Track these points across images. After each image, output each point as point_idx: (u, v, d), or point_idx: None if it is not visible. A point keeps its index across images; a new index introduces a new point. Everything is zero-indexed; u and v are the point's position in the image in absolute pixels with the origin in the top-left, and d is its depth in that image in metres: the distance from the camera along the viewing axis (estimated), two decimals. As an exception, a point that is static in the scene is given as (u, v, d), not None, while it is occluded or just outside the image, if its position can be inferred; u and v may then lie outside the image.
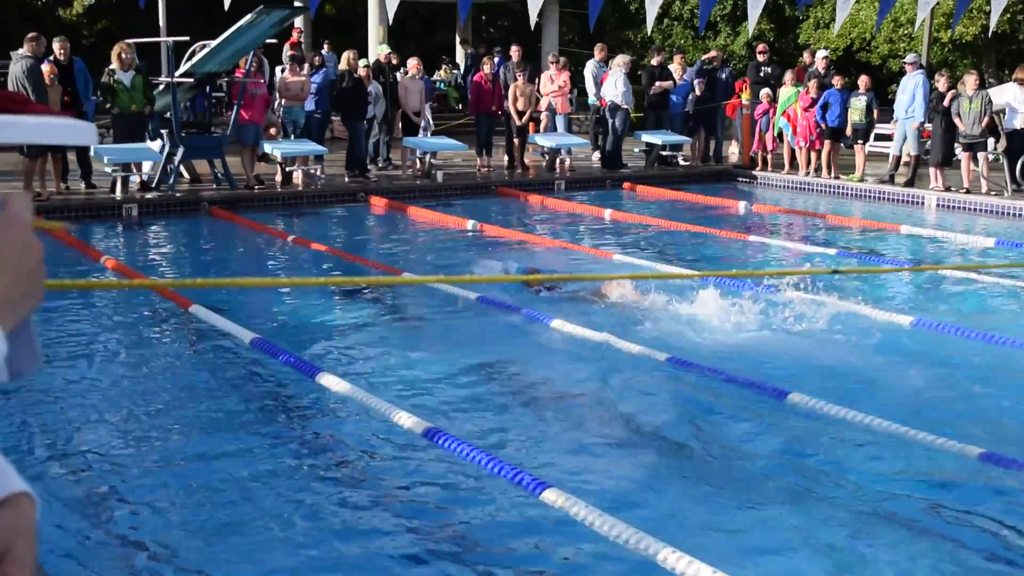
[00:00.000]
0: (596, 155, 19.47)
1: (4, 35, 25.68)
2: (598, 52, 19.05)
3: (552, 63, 18.72)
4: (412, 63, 17.83)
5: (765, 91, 18.22)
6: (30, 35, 13.55)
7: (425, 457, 5.52)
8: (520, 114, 17.57)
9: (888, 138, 18.00)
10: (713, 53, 20.26)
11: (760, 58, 19.54)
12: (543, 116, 18.57)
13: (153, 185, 14.39)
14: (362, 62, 16.59)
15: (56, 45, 14.12)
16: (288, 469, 5.45)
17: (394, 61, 18.32)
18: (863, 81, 16.99)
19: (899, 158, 16.93)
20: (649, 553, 4.17)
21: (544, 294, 9.23)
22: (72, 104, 14.13)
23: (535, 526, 4.78)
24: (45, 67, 13.71)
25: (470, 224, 13.08)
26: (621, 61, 18.36)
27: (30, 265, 1.09)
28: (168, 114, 14.49)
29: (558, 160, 17.78)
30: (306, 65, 16.71)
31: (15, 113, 2.22)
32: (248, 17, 13.60)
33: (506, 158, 18.26)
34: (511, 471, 4.99)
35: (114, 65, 14.14)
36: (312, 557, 4.52)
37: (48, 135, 1.62)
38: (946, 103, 15.72)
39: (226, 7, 13.78)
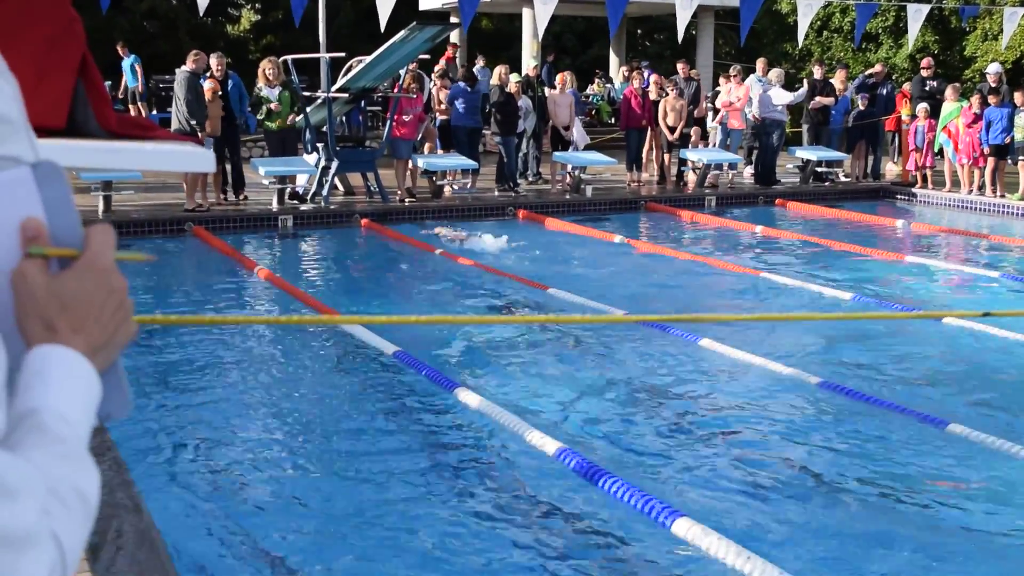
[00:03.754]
0: (749, 170, 19.15)
1: (177, 52, 26.78)
2: (760, 66, 18.69)
3: (733, 76, 18.28)
4: (561, 77, 17.86)
5: (923, 106, 17.60)
6: (192, 52, 14.15)
7: (557, 477, 5.47)
8: (671, 129, 17.39)
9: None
10: (878, 68, 19.68)
11: (924, 73, 18.89)
12: (712, 129, 18.22)
13: (308, 197, 14.76)
14: (513, 77, 16.69)
15: (213, 61, 14.63)
16: (421, 483, 5.47)
17: (542, 76, 18.34)
18: (1020, 96, 16.24)
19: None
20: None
21: None
22: (226, 118, 14.63)
23: (665, 556, 4.68)
24: (208, 83, 14.19)
25: (617, 239, 13.01)
26: (775, 75, 18.02)
27: (114, 306, 1.09)
28: (324, 128, 14.85)
29: (711, 176, 17.54)
30: (431, 80, 16.81)
31: (138, 139, 2.27)
32: (402, 33, 13.83)
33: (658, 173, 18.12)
34: (642, 498, 4.91)
35: (260, 82, 14.58)
36: (427, 567, 4.52)
37: (166, 162, 1.64)
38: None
39: (382, 26, 14.04)
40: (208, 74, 14.45)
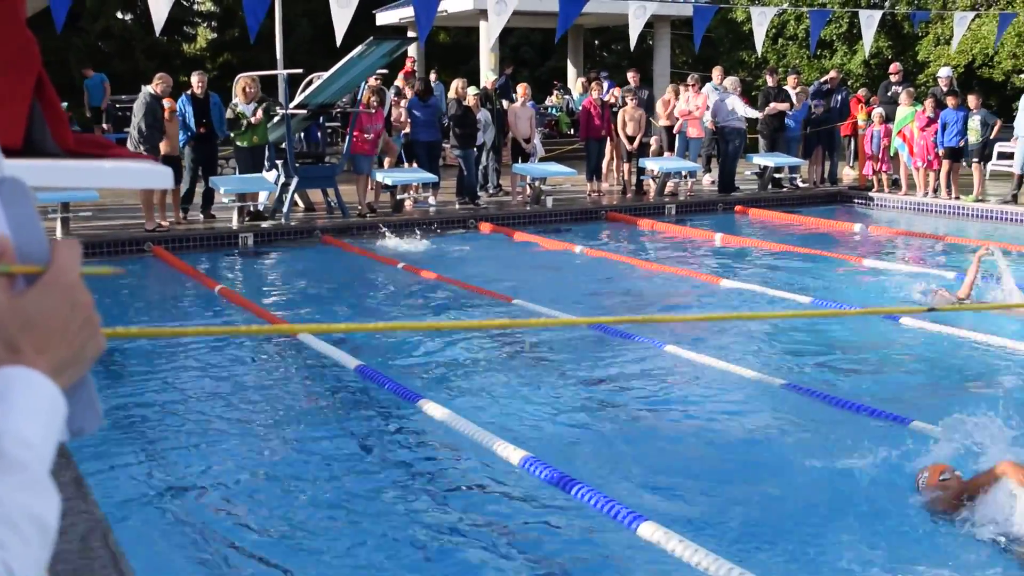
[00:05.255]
0: (708, 178, 19.31)
1: (134, 72, 26.67)
2: (717, 75, 18.83)
3: (691, 85, 18.44)
4: (523, 90, 17.94)
5: (878, 111, 17.82)
6: (159, 75, 14.11)
7: (522, 486, 5.50)
8: (630, 139, 17.50)
9: (1013, 157, 17.44)
10: (832, 74, 19.91)
11: (893, 78, 19.10)
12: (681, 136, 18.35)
13: (268, 214, 14.72)
14: (471, 90, 16.74)
15: (195, 79, 14.58)
16: (386, 495, 5.48)
17: (498, 88, 18.41)
18: (973, 99, 16.49)
19: (1022, 177, 16.41)
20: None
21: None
22: (208, 136, 14.58)
23: (631, 560, 4.72)
24: (166, 102, 14.14)
25: (578, 249, 13.09)
26: (730, 83, 18.19)
27: (80, 321, 1.08)
28: (283, 145, 14.83)
29: (670, 184, 17.66)
30: (389, 95, 16.83)
31: (95, 157, 2.29)
32: (359, 49, 13.84)
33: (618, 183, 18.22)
34: (606, 502, 4.95)
35: (237, 99, 14.54)
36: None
37: (124, 179, 1.65)
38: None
39: (338, 41, 14.04)
40: (189, 92, 14.39)
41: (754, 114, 18.20)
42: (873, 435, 6.00)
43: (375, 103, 15.34)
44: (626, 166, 17.96)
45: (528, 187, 16.99)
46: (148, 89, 13.79)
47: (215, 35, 36.28)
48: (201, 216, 14.87)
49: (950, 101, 16.63)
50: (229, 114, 14.56)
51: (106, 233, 13.69)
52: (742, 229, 15.58)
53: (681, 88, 18.65)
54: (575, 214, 16.38)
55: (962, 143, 16.47)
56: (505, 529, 5.12)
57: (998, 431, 5.60)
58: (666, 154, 18.70)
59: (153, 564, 4.69)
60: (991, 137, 16.72)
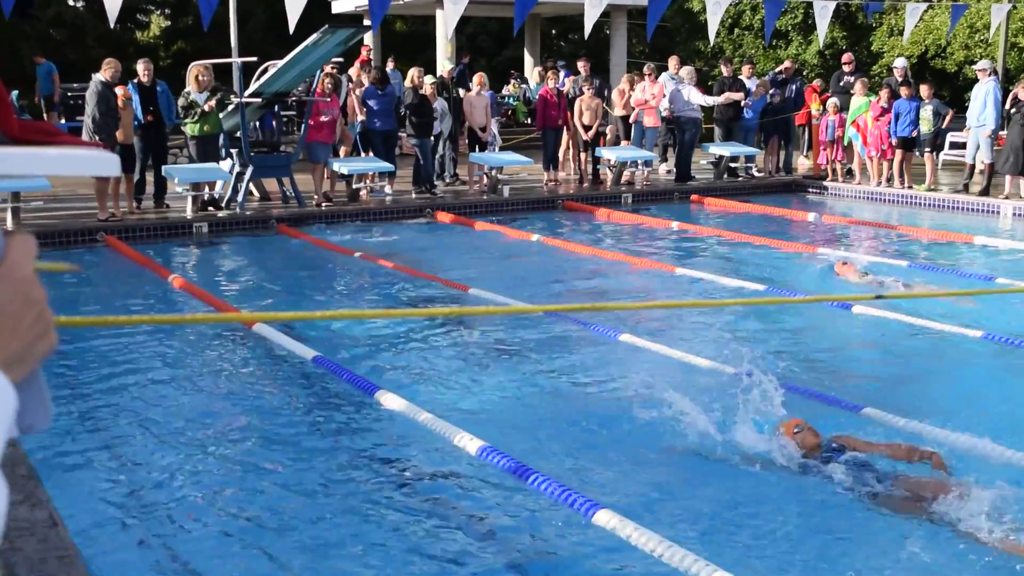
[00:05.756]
0: (664, 168, 19.39)
1: (86, 60, 26.35)
2: (673, 64, 18.86)
3: (648, 74, 18.46)
4: (478, 78, 17.91)
5: (832, 101, 17.96)
6: (106, 61, 13.79)
7: (479, 475, 5.51)
8: (586, 128, 17.52)
9: (964, 146, 17.63)
10: (787, 64, 20.03)
11: (846, 68, 19.23)
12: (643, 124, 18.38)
13: (223, 204, 14.61)
14: (428, 78, 16.69)
15: (140, 67, 14.41)
16: (340, 484, 5.47)
17: (455, 77, 18.37)
18: (925, 90, 16.67)
19: (974, 167, 16.62)
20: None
21: None
22: (156, 124, 14.42)
23: (587, 547, 4.74)
24: (119, 90, 13.98)
25: (535, 238, 13.10)
26: (686, 73, 18.26)
27: (32, 317, 1.07)
28: (238, 134, 14.72)
29: (627, 173, 17.71)
30: (345, 83, 16.72)
31: (41, 144, 2.25)
32: (314, 37, 13.75)
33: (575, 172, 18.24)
34: (563, 491, 4.96)
35: (190, 87, 14.40)
36: (356, 569, 4.53)
37: (70, 166, 1.62)
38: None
39: (291, 29, 13.93)
40: (135, 80, 14.23)
41: (712, 101, 18.27)
42: (827, 422, 6.05)
43: (329, 87, 15.22)
44: (583, 155, 17.98)
45: (485, 176, 16.97)
46: (98, 77, 13.59)
47: (169, 23, 35.91)
48: (155, 206, 14.73)
49: (904, 91, 16.79)
50: (182, 102, 14.42)
51: (58, 223, 13.52)
52: (698, 218, 15.66)
53: (637, 78, 18.69)
54: (532, 203, 16.39)
55: (915, 133, 16.64)
56: (462, 518, 5.12)
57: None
58: (623, 143, 18.75)
59: (108, 561, 4.65)
60: (943, 127, 16.91)
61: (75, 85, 21.94)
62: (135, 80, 14.29)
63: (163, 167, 14.57)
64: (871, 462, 5.48)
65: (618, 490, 5.40)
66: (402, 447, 6.09)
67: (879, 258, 12.05)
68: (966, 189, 16.48)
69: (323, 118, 15.18)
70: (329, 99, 15.30)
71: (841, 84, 18.81)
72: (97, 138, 12.96)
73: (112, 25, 15.98)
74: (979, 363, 7.87)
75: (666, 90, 18.15)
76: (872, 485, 5.27)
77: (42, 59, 22.85)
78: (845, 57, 19.89)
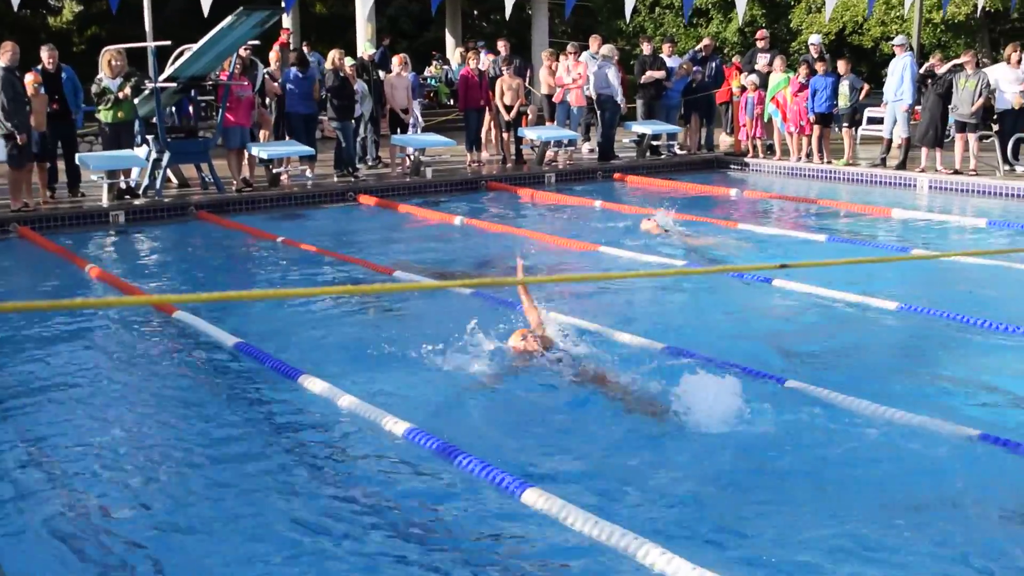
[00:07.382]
0: (587, 147, 19.41)
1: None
2: (594, 43, 18.86)
3: (571, 53, 18.32)
4: (399, 59, 17.76)
5: (751, 78, 18.10)
6: (4, 44, 13.06)
7: (407, 458, 5.46)
8: (508, 108, 17.46)
9: (882, 121, 17.89)
10: (706, 41, 20.15)
11: (760, 44, 19.37)
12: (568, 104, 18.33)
13: (140, 191, 14.33)
14: (348, 61, 16.50)
15: (44, 53, 14.03)
16: (268, 473, 5.38)
17: (376, 59, 18.20)
18: (842, 65, 16.91)
19: (891, 141, 16.88)
20: (631, 552, 4.13)
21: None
22: (61, 112, 14.06)
23: (518, 527, 4.71)
24: (29, 76, 13.63)
25: (458, 220, 13.04)
26: (607, 51, 18.27)
27: None
28: (153, 120, 14.44)
29: (550, 153, 17.69)
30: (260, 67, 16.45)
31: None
32: (229, 19, 13.52)
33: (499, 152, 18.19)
34: (490, 471, 4.94)
35: (103, 73, 14.08)
36: (288, 557, 4.45)
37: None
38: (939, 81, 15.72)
39: (206, 12, 13.66)
40: (39, 67, 13.86)
41: (621, 99, 18.19)
42: (752, 394, 6.09)
43: (238, 70, 14.89)
44: (505, 136, 17.94)
45: (407, 158, 16.86)
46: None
47: (81, 7, 35.09)
48: (70, 195, 14.41)
49: (819, 67, 16.98)
50: (94, 89, 14.09)
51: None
52: (621, 196, 15.71)
53: (562, 57, 18.64)
54: (455, 185, 16.31)
55: (835, 109, 16.85)
56: (390, 501, 5.06)
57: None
58: (547, 123, 18.73)
59: (23, 556, 4.54)
60: (860, 101, 17.13)
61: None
62: (38, 67, 13.92)
63: (76, 155, 14.26)
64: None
65: (546, 468, 5.37)
66: (327, 431, 6.01)
67: (798, 232, 12.19)
68: (883, 163, 16.73)
69: (239, 96, 14.88)
70: (245, 83, 15.05)
71: (753, 62, 18.93)
72: (9, 125, 12.61)
73: (16, 9, 15.53)
74: (885, 331, 8.00)
75: (589, 70, 18.12)
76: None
77: None
78: (759, 34, 20.08)
